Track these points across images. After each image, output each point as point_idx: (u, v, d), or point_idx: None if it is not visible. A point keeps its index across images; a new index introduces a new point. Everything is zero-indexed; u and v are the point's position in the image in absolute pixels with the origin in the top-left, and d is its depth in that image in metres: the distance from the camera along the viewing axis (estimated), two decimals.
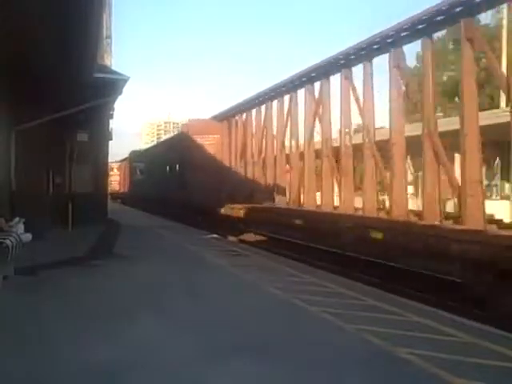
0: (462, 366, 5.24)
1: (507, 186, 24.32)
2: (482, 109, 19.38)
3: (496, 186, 25.00)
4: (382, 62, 19.93)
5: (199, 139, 31.18)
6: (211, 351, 5.74)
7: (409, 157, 22.42)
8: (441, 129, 17.16)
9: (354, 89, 21.88)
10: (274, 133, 29.02)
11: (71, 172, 22.14)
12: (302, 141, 26.43)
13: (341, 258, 16.46)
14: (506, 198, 22.85)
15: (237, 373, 5.13)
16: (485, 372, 5.14)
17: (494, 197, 23.71)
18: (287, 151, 27.98)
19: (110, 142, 25.77)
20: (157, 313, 7.37)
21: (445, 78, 40.14)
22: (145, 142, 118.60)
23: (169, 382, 5.00)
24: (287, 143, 27.95)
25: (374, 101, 20.88)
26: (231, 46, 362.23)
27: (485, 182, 26.00)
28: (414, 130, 19.37)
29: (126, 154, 61.11)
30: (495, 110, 22.59)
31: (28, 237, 14.41)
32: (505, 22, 32.62)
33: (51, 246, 13.96)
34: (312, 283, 9.84)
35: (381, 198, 22.83)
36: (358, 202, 22.00)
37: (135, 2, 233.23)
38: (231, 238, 21.60)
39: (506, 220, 17.78)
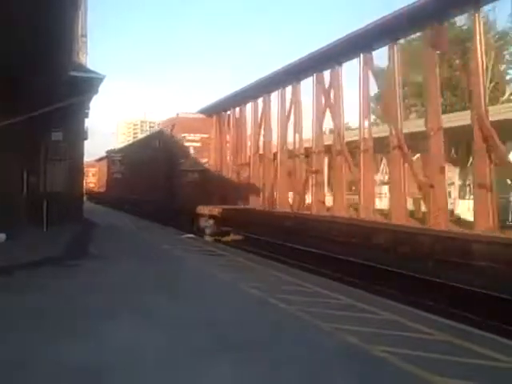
0: None
1: None
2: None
3: (469, 185, 25.46)
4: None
5: (184, 136, 28.09)
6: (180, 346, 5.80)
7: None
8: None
9: (376, 76, 19.16)
10: (274, 128, 25.09)
11: (46, 171, 21.92)
12: (305, 135, 23.01)
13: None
14: None
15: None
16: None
17: (467, 197, 24.15)
18: (290, 147, 24.11)
19: (86, 141, 25.62)
20: (131, 312, 7.34)
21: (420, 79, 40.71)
22: (121, 142, 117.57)
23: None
24: (290, 139, 24.16)
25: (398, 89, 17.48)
26: (208, 46, 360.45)
27: (458, 182, 26.77)
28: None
29: (101, 154, 60.59)
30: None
31: (1, 237, 14.30)
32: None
33: (26, 246, 13.81)
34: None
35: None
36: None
37: (110, 1, 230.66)
38: (207, 238, 21.60)
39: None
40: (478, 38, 14.41)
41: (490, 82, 40.75)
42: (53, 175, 21.88)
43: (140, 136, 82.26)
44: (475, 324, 7.49)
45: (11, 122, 15.54)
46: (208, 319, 7.10)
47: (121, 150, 49.04)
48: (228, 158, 29.74)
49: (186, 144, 28.12)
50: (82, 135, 23.76)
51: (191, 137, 28.13)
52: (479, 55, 14.58)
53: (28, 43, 11.32)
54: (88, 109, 24.52)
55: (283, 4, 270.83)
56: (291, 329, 6.76)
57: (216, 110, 30.36)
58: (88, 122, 26.91)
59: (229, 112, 29.90)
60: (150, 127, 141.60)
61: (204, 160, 28.60)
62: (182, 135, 28.04)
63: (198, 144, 28.29)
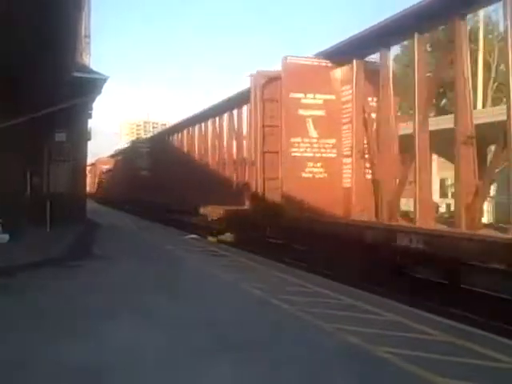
0: None
1: None
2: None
3: None
4: None
5: (296, 97, 15.63)
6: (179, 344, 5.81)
7: None
8: None
9: None
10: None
11: (49, 172, 21.97)
12: None
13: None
14: None
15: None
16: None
17: None
18: None
19: (89, 142, 25.62)
20: (131, 312, 7.33)
21: None
22: (125, 142, 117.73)
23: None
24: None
25: None
26: (208, 46, 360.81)
27: None
28: None
29: (104, 154, 59.37)
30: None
31: (5, 238, 14.33)
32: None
33: (29, 247, 13.80)
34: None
35: None
36: None
37: (113, 2, 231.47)
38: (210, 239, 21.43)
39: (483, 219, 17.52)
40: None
41: (494, 83, 40.65)
42: (56, 176, 21.92)
43: (144, 136, 78.25)
44: (478, 324, 7.45)
45: (14, 123, 15.61)
46: (208, 319, 7.08)
47: (156, 138, 37.05)
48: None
49: (300, 112, 15.82)
50: (85, 136, 23.80)
51: (309, 99, 15.92)
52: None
53: (28, 43, 11.31)
54: (91, 109, 24.57)
55: (283, 4, 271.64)
56: (292, 329, 6.74)
57: (355, 52, 14.85)
58: (91, 123, 26.89)
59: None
60: (153, 128, 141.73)
61: (331, 141, 15.98)
62: (293, 96, 15.83)
63: (321, 112, 15.97)
